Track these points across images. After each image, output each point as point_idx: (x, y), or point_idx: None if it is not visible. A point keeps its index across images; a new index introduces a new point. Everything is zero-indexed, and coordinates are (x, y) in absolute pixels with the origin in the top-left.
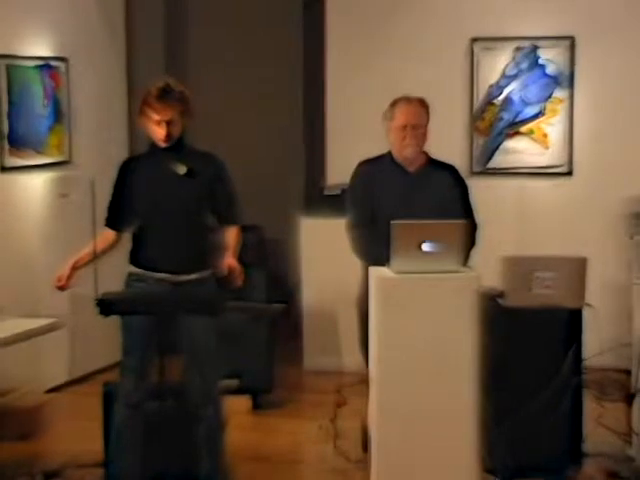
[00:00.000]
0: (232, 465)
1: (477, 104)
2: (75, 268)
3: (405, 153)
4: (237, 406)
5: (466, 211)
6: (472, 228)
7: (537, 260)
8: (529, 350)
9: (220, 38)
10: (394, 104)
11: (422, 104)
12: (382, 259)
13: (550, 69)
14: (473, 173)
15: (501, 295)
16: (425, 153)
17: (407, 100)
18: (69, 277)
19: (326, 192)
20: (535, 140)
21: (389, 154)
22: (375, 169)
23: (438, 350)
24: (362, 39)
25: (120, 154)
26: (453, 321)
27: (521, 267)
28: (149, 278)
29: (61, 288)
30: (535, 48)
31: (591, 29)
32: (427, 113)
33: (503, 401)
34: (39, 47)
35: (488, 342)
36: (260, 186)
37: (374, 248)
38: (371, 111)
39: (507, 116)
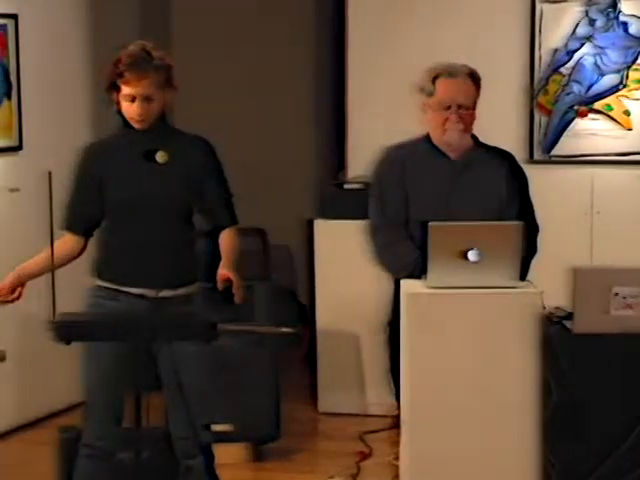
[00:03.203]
0: None
1: (539, 74)
2: (22, 277)
3: (447, 139)
4: (234, 456)
5: (524, 210)
6: (532, 231)
7: (616, 272)
8: (607, 388)
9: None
10: (434, 76)
11: (472, 77)
12: (416, 270)
13: (634, 28)
14: (533, 161)
15: (569, 317)
16: (472, 136)
17: (452, 72)
18: (13, 287)
19: (346, 186)
20: (614, 119)
21: (426, 137)
22: (407, 156)
23: (488, 387)
24: None
25: (83, 138)
26: (508, 350)
27: (596, 281)
28: (121, 294)
29: (2, 302)
30: (614, 0)
31: None
32: (477, 89)
33: (573, 455)
34: None
35: (553, 377)
36: (263, 180)
37: (405, 256)
38: (402, 86)
39: (577, 88)
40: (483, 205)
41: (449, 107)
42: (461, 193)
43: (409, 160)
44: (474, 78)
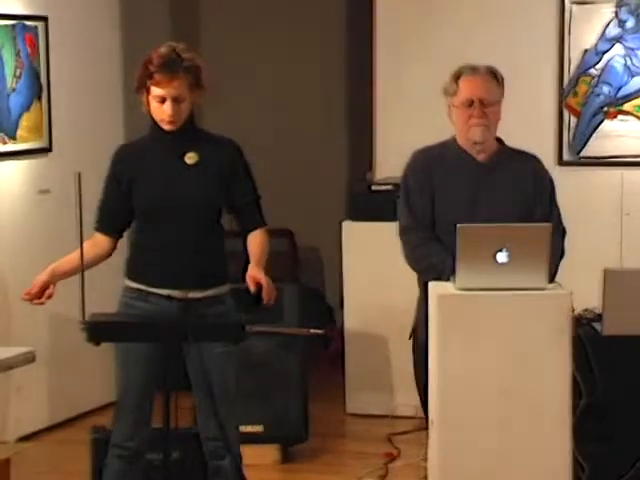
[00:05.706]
0: None
1: (568, 75)
2: (54, 276)
3: (472, 135)
4: (262, 457)
5: (552, 212)
6: (559, 233)
7: None
8: (637, 390)
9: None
10: (457, 75)
11: (492, 74)
12: (445, 272)
13: None
14: (563, 163)
15: (599, 319)
16: (498, 139)
17: (473, 70)
18: (45, 287)
19: (374, 188)
20: None
21: (453, 140)
22: (435, 158)
23: (517, 389)
24: None
25: (114, 140)
26: (536, 351)
27: (625, 283)
28: (152, 295)
29: (32, 299)
30: None
31: None
32: (500, 86)
33: (603, 457)
34: (9, 1)
35: (582, 379)
36: (291, 181)
37: (434, 258)
38: (430, 87)
39: (607, 90)
40: (510, 207)
41: (472, 103)
42: (488, 195)
43: (436, 162)
44: (495, 76)
